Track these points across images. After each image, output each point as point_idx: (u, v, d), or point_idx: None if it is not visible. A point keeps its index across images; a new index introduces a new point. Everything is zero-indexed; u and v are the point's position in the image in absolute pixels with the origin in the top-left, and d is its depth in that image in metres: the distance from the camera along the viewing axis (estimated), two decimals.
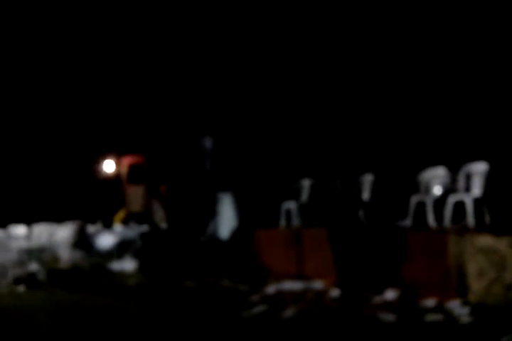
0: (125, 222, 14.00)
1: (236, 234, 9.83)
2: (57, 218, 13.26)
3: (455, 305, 6.05)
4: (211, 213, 10.40)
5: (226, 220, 10.10)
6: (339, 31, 9.21)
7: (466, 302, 6.09)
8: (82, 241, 12.53)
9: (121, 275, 10.41)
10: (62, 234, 12.85)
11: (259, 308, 6.68)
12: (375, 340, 5.21)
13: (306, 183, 9.34)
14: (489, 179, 7.46)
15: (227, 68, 10.94)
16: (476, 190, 7.53)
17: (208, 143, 12.05)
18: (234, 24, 10.36)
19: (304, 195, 9.23)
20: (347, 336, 5.40)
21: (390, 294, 6.82)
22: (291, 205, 9.19)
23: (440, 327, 5.40)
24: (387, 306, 6.43)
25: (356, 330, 5.52)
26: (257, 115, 10.91)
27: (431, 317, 5.67)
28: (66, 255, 12.55)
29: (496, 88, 7.86)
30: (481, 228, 7.07)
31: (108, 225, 13.58)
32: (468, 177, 7.69)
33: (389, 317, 5.88)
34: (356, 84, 9.35)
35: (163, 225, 13.14)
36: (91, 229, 13.05)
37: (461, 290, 6.28)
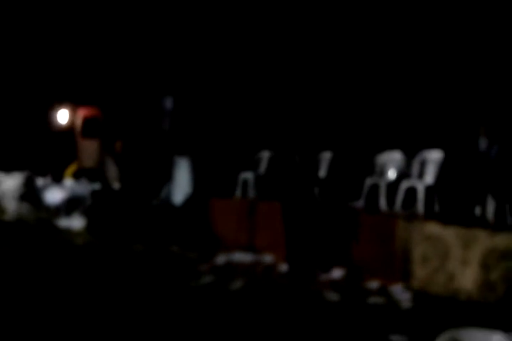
0: (76, 177, 13.83)
1: (190, 200, 9.83)
2: (5, 167, 13.01)
3: (397, 290, 6.33)
4: (166, 176, 10.38)
5: (181, 185, 10.07)
6: (302, 16, 9.19)
7: (408, 287, 6.40)
8: (30, 194, 12.35)
9: (68, 232, 10.35)
10: (9, 184, 12.62)
11: (207, 278, 6.82)
12: (318, 318, 5.44)
13: (265, 155, 9.31)
14: (443, 168, 7.71)
15: (193, 28, 10.81)
16: (429, 177, 7.77)
17: (168, 103, 11.90)
18: None
19: (262, 167, 9.21)
20: (290, 311, 5.60)
21: (337, 273, 7.06)
22: (248, 176, 9.18)
23: (381, 310, 5.67)
24: (333, 285, 6.69)
25: (300, 307, 5.73)
26: (222, 80, 10.86)
27: (373, 300, 5.94)
28: (12, 207, 12.40)
29: (458, 79, 8.05)
30: (430, 215, 7.34)
31: (58, 179, 13.39)
32: (423, 164, 7.92)
33: (333, 296, 6.12)
34: (323, 62, 9.40)
35: (116, 184, 13.06)
36: (40, 182, 12.85)
37: (404, 275, 6.57)
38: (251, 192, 9.25)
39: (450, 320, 5.34)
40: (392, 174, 8.18)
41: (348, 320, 5.37)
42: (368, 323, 5.20)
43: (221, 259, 8.04)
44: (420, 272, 6.33)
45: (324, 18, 9.05)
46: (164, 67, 11.81)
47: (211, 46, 10.69)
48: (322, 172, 8.53)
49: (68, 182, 13.31)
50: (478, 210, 6.71)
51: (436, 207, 7.53)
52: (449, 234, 6.09)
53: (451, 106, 8.21)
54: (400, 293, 6.04)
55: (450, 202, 7.25)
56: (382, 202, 7.82)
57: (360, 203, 8.02)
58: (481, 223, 6.47)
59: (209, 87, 10.67)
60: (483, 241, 5.82)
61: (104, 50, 13.07)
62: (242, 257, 8.13)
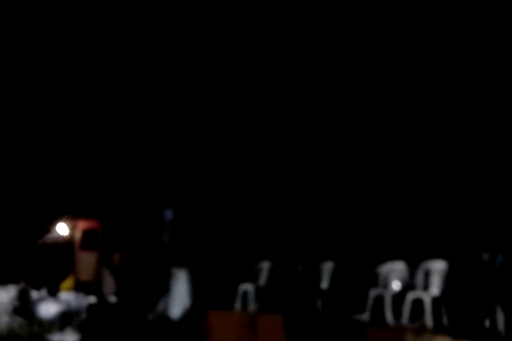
0: (72, 290, 13.61)
1: (188, 313, 9.65)
2: (0, 280, 12.83)
3: None
4: (164, 289, 10.22)
5: (179, 298, 9.90)
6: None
7: None
8: (23, 307, 12.10)
9: None
10: (2, 297, 12.42)
11: None
12: None
13: (265, 266, 9.24)
14: (448, 278, 7.61)
15: (186, 142, 11.06)
16: (435, 288, 7.65)
17: (168, 215, 12.00)
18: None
19: (263, 278, 9.12)
20: None
21: None
22: (248, 288, 9.08)
23: None
24: None
25: None
26: (220, 191, 11.00)
27: None
28: (4, 321, 12.08)
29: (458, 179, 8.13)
30: (438, 328, 7.14)
31: (53, 293, 13.18)
32: (427, 275, 7.83)
33: None
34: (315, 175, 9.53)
35: (112, 298, 12.83)
36: (34, 295, 12.66)
37: None
38: (251, 305, 9.10)
39: None
40: (396, 285, 8.06)
41: None
42: None
43: None
44: None
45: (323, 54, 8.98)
46: (164, 178, 12.02)
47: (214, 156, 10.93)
48: (324, 284, 8.44)
49: (64, 295, 13.09)
50: (487, 322, 6.52)
51: (445, 320, 7.35)
52: None
53: (453, 216, 8.25)
54: None
55: (458, 315, 7.08)
56: (389, 315, 7.63)
57: (365, 316, 7.84)
58: (492, 336, 6.26)
59: (207, 198, 10.79)
60: None
61: (102, 159, 13.34)
62: None
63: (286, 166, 9.97)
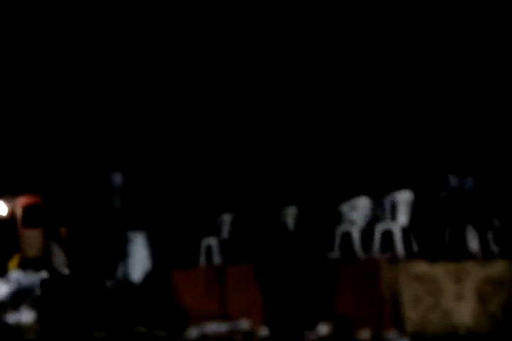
0: (20, 268, 13.24)
1: (150, 276, 9.53)
2: None
3: (393, 336, 6.11)
4: (121, 255, 10.04)
5: (139, 262, 9.73)
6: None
7: (403, 332, 6.17)
8: None
9: (18, 328, 9.77)
10: None
11: None
12: None
13: (226, 218, 9.11)
14: (415, 207, 7.73)
15: (135, 98, 10.77)
16: (402, 218, 7.77)
17: (116, 179, 11.71)
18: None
19: (225, 231, 9.01)
20: None
21: (323, 329, 6.80)
22: (211, 242, 8.99)
23: None
24: None
25: None
26: (169, 145, 10.75)
27: None
28: None
29: (419, 115, 8.21)
30: (410, 256, 7.26)
31: (1, 273, 12.81)
32: (394, 207, 7.93)
33: None
34: (275, 110, 9.44)
35: (65, 270, 12.55)
36: None
37: (396, 320, 6.37)
38: (216, 259, 9.04)
39: None
40: (361, 219, 8.15)
41: None
42: None
43: (193, 332, 7.63)
44: (413, 314, 6.12)
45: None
46: (105, 142, 11.67)
47: (151, 116, 10.67)
48: (290, 228, 8.44)
49: (13, 274, 12.74)
50: (460, 244, 6.67)
51: (415, 247, 7.48)
52: (438, 271, 5.98)
53: (416, 144, 8.29)
54: (397, 339, 5.81)
55: (428, 241, 7.20)
56: (358, 249, 7.72)
57: (335, 254, 7.91)
58: (467, 256, 6.41)
59: (157, 154, 10.53)
60: (475, 273, 5.74)
61: (42, 130, 12.83)
62: (216, 327, 7.72)
63: (239, 112, 9.80)
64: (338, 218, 8.31)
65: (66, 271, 12.68)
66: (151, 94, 10.57)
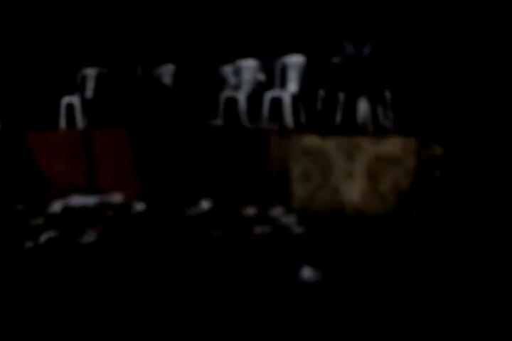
0: None
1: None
2: None
3: (279, 213, 6.65)
4: None
5: None
6: None
7: (289, 209, 6.72)
8: None
9: None
10: None
11: (47, 234, 6.35)
12: (205, 257, 5.44)
13: (91, 73, 8.87)
14: (306, 73, 7.98)
15: None
16: (293, 85, 8.02)
17: None
18: None
19: (90, 88, 8.80)
20: (168, 256, 5.53)
21: (205, 205, 7.16)
22: (73, 100, 8.72)
23: (274, 239, 5.87)
24: (205, 218, 6.78)
25: (178, 250, 5.64)
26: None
27: (260, 230, 6.17)
28: None
29: None
30: (299, 128, 7.64)
31: None
32: (283, 72, 8.13)
33: (213, 233, 6.09)
34: None
35: None
36: None
37: (283, 197, 6.88)
38: (79, 120, 8.96)
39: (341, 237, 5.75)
40: (247, 85, 8.31)
41: (239, 254, 5.46)
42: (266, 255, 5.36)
43: (57, 206, 7.65)
44: (301, 191, 6.63)
45: None
46: None
47: None
48: (167, 88, 8.48)
49: None
50: (352, 117, 7.13)
51: (303, 118, 7.84)
52: (330, 146, 6.41)
53: (312, 6, 8.39)
54: (285, 218, 6.34)
55: (320, 111, 7.60)
56: (244, 118, 8.00)
57: (217, 122, 8.13)
58: (359, 130, 6.89)
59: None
60: (367, 149, 6.23)
61: None
62: (82, 200, 7.60)
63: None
64: (222, 81, 8.44)
65: None
66: None
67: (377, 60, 6.96)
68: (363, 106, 7.02)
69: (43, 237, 6.26)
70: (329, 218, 6.20)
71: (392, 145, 6.10)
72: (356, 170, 6.18)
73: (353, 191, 6.21)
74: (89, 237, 6.14)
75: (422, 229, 5.71)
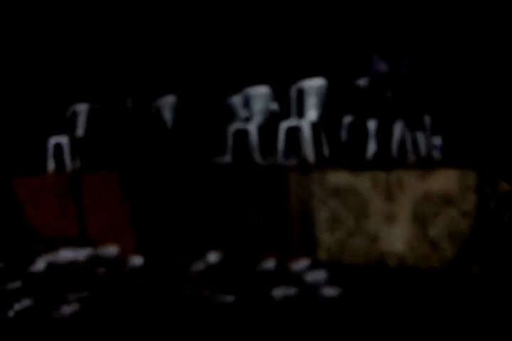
0: None
1: None
2: None
3: (303, 267, 5.46)
4: None
5: None
6: None
7: (315, 262, 5.58)
8: None
9: None
10: None
11: (19, 304, 5.42)
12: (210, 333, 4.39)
13: (81, 109, 8.20)
14: (327, 99, 7.03)
15: None
16: (312, 113, 7.04)
17: None
18: None
19: (80, 125, 8.19)
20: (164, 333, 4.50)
21: (212, 257, 6.12)
22: (61, 140, 8.01)
23: (300, 306, 4.70)
24: (212, 276, 5.71)
25: (176, 324, 4.62)
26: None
27: (280, 292, 4.98)
28: None
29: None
30: (321, 162, 6.61)
31: None
32: (300, 98, 7.20)
33: (224, 297, 5.07)
34: None
35: None
36: None
37: (307, 246, 5.76)
38: (68, 163, 8.22)
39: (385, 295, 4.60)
40: (259, 115, 7.38)
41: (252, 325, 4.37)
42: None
43: (40, 265, 6.73)
44: (329, 239, 5.53)
45: None
46: None
47: None
48: (168, 122, 7.59)
49: None
50: (388, 147, 6.03)
51: (325, 150, 6.82)
52: (363, 184, 5.29)
53: (331, 17, 7.31)
54: (311, 274, 5.16)
55: (345, 141, 6.53)
56: (256, 153, 6.93)
57: (226, 159, 7.17)
58: (399, 164, 5.79)
59: None
60: (412, 186, 5.11)
61: None
62: (72, 255, 6.92)
63: None
64: (230, 112, 7.54)
65: None
66: None
67: (416, 78, 5.84)
68: (399, 134, 5.90)
69: (15, 308, 5.22)
70: (367, 273, 5.01)
71: (444, 181, 4.95)
72: (399, 212, 5.06)
73: (396, 238, 5.06)
74: (69, 308, 5.10)
75: (486, 286, 4.54)
